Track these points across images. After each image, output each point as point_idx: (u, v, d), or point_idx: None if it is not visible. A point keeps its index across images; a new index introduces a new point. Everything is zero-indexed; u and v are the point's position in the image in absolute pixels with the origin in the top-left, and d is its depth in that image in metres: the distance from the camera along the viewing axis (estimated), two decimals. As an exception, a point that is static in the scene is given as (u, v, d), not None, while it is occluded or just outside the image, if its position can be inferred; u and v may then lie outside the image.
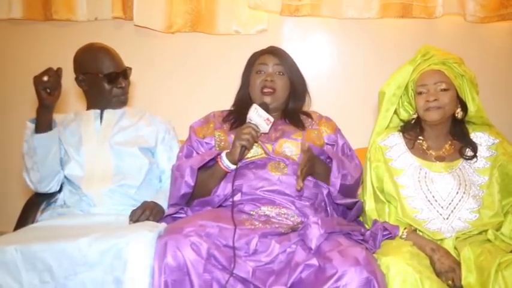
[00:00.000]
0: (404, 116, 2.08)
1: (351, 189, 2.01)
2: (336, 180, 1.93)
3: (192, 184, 1.92)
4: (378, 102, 2.09)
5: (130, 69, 2.21)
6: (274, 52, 2.15)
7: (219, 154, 1.96)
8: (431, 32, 2.78)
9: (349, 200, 1.97)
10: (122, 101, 2.18)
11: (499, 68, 2.79)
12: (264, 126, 1.95)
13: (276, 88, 2.08)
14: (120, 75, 2.15)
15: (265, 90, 2.07)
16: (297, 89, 2.15)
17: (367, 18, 2.77)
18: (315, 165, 1.94)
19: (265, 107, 2.00)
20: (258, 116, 1.94)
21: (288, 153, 2.00)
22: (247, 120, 1.95)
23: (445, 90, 1.92)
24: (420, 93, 1.96)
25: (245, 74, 2.19)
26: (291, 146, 2.02)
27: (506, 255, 1.63)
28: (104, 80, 2.11)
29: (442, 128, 1.99)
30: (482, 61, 2.70)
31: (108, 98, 2.15)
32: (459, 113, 1.96)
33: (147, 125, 2.21)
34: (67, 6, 2.88)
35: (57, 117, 2.15)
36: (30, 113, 2.11)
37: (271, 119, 1.96)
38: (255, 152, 1.99)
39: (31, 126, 1.98)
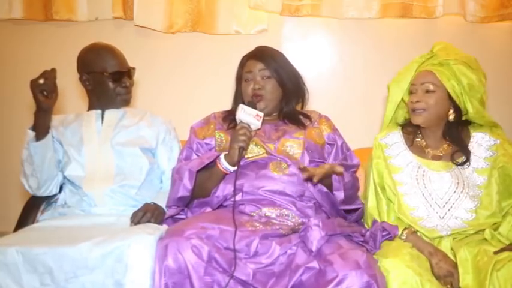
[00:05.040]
0: None
1: (351, 195, 2.02)
2: (338, 185, 1.92)
3: (190, 188, 1.92)
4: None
5: (134, 69, 2.22)
6: (258, 56, 2.13)
7: (217, 156, 1.96)
8: (432, 32, 2.77)
9: (352, 206, 1.99)
10: (125, 99, 2.19)
11: (500, 68, 2.78)
12: (256, 123, 1.96)
13: (265, 94, 2.08)
14: (125, 74, 2.16)
15: (255, 98, 2.07)
16: (288, 87, 2.13)
17: (368, 18, 2.77)
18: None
19: (252, 105, 2.01)
20: (246, 115, 1.95)
21: (290, 152, 2.00)
22: (238, 121, 1.97)
23: (431, 91, 1.91)
24: (411, 92, 1.97)
25: (237, 79, 2.19)
26: (294, 145, 2.02)
27: (501, 254, 1.64)
28: (108, 78, 2.13)
29: (435, 129, 1.98)
30: (483, 61, 2.66)
31: (112, 97, 2.16)
32: (451, 115, 1.95)
33: (148, 126, 2.21)
34: (67, 7, 2.88)
35: (56, 118, 2.15)
36: (30, 113, 2.11)
37: (261, 114, 1.97)
38: (257, 152, 2.00)
39: (31, 134, 1.97)
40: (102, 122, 2.16)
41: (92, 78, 2.14)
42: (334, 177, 1.91)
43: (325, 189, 1.95)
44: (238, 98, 2.18)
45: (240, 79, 2.17)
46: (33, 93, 1.90)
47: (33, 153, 1.98)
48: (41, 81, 1.88)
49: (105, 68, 2.12)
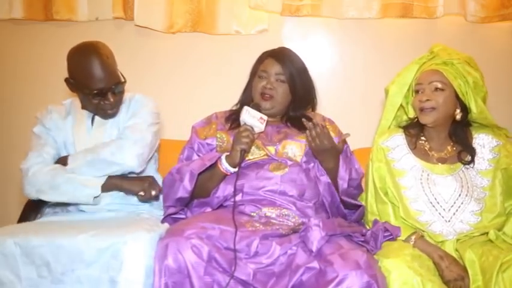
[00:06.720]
0: (412, 114, 2.06)
1: (353, 194, 2.02)
2: (344, 174, 1.94)
3: (190, 189, 1.92)
4: (385, 100, 2.09)
5: (124, 82, 2.04)
6: (279, 57, 2.12)
7: (219, 157, 1.96)
8: (432, 32, 2.77)
9: (352, 201, 1.99)
10: (108, 114, 2.06)
11: (500, 68, 2.78)
12: (259, 126, 1.97)
13: (275, 95, 2.08)
14: (109, 90, 1.98)
15: (264, 96, 2.08)
16: (299, 95, 2.14)
17: (368, 18, 2.76)
18: (326, 153, 1.91)
19: (257, 107, 2.01)
20: (251, 117, 1.95)
21: (290, 155, 2.00)
22: (242, 123, 1.96)
23: (440, 90, 1.89)
24: (417, 91, 1.95)
25: (251, 73, 2.19)
26: (295, 148, 2.02)
27: (507, 255, 1.64)
28: (91, 95, 1.98)
29: (441, 130, 1.97)
30: (483, 61, 2.66)
31: (95, 110, 2.05)
32: (458, 114, 1.93)
33: (132, 113, 2.12)
34: (68, 7, 2.87)
35: (55, 109, 2.11)
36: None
37: (265, 117, 1.98)
38: (258, 154, 2.00)
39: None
40: (92, 122, 2.09)
41: (76, 85, 2.01)
42: (342, 164, 1.93)
43: (328, 180, 1.96)
44: (248, 91, 2.18)
45: (254, 74, 2.16)
46: (134, 190, 1.99)
47: None
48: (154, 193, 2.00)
49: (88, 84, 1.95)
